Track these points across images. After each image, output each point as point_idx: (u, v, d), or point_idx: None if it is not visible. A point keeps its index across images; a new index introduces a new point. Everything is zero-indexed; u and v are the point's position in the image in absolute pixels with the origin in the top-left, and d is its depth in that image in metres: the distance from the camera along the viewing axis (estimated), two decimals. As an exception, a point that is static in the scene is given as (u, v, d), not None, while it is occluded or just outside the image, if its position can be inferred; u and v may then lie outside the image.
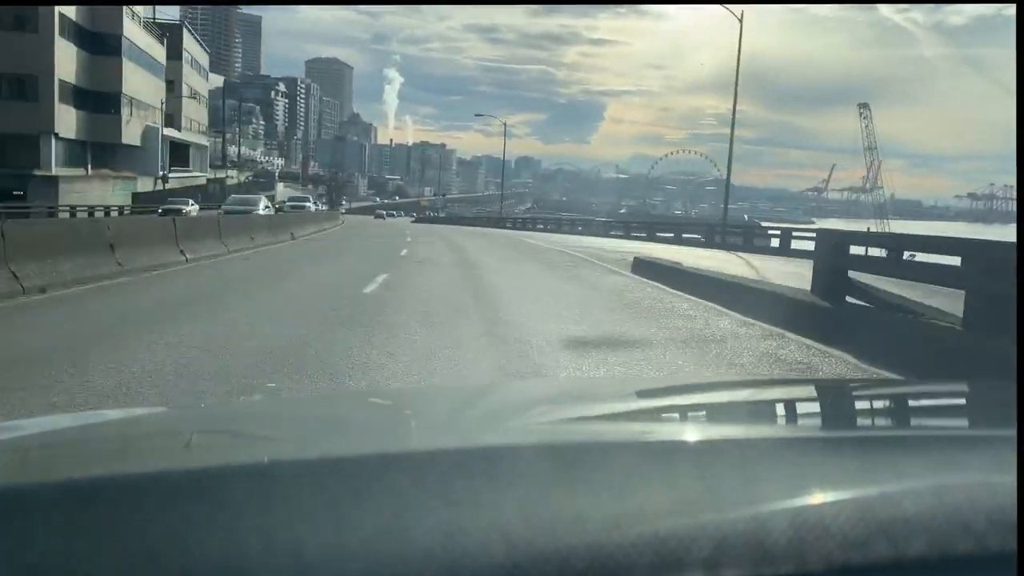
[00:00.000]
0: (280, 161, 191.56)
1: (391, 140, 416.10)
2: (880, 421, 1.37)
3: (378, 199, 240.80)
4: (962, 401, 1.58)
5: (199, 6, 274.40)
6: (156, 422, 1.54)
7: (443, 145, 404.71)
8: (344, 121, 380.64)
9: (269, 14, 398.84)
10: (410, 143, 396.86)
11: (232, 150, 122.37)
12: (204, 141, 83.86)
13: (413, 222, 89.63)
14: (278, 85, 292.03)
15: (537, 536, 0.66)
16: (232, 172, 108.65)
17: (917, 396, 1.66)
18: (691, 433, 1.17)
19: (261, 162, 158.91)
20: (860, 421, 1.38)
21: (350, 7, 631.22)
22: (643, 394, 1.69)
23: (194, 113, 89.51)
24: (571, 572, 0.63)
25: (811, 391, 1.86)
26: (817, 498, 0.72)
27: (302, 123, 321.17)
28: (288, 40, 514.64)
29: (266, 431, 1.29)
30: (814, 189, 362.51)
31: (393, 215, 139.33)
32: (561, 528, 0.67)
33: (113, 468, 0.99)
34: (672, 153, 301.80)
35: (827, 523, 0.67)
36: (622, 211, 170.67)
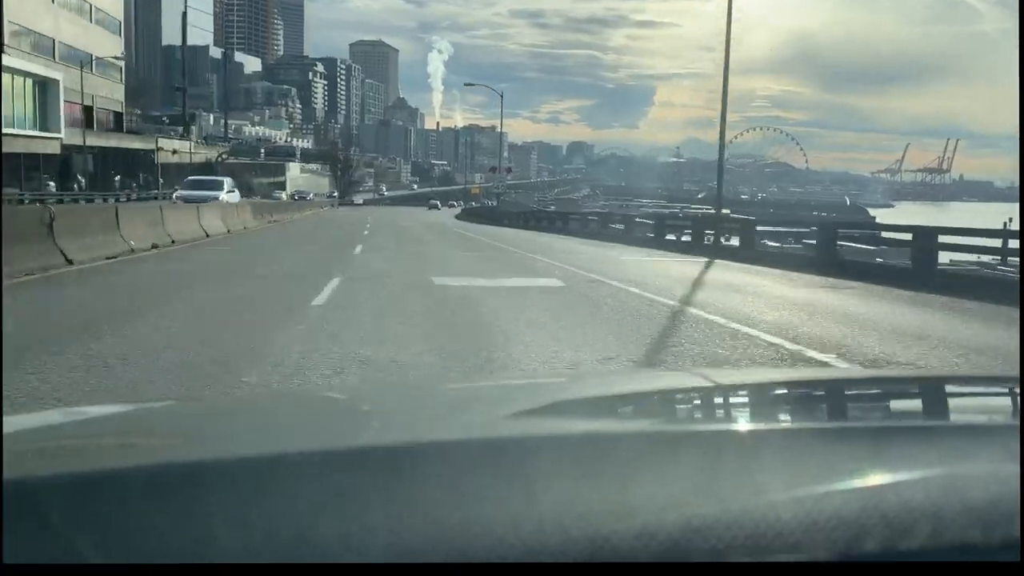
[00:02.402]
0: (301, 144, 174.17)
1: (438, 124, 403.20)
2: (887, 412, 1.37)
3: (415, 187, 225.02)
4: (969, 392, 1.60)
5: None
6: (162, 414, 1.56)
7: (494, 128, 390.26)
8: (389, 106, 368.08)
9: (312, 3, 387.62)
10: (459, 126, 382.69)
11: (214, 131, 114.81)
12: (55, 74, 57.98)
13: (458, 216, 71.06)
14: (316, 66, 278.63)
15: (544, 527, 0.66)
16: (173, 142, 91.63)
17: (924, 387, 1.65)
18: (697, 424, 1.18)
19: (273, 142, 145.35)
20: (866, 412, 1.39)
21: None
22: (647, 385, 1.71)
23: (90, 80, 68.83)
24: (581, 563, 0.63)
25: (817, 382, 1.81)
26: (824, 488, 0.72)
27: (343, 108, 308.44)
28: (332, 30, 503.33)
29: (268, 424, 1.29)
30: (886, 171, 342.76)
31: (437, 206, 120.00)
32: (568, 520, 0.67)
33: (133, 460, 0.98)
34: (739, 136, 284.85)
35: (834, 513, 0.67)
36: (701, 195, 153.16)
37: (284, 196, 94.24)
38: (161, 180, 76.50)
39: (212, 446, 1.07)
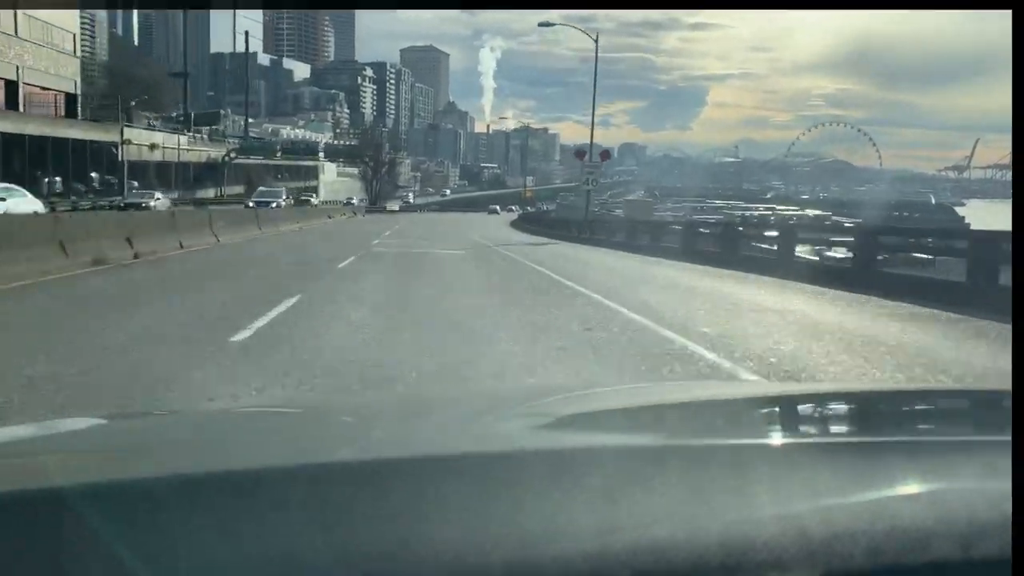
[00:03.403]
0: (335, 142, 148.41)
1: (488, 127, 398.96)
2: (874, 426, 1.36)
3: (447, 191, 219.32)
4: (957, 407, 1.61)
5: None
6: (138, 427, 1.58)
7: (546, 130, 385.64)
8: (439, 111, 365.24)
9: (363, 14, 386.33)
10: (510, 128, 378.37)
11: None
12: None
13: (515, 223, 61.88)
14: (365, 70, 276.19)
15: (531, 542, 0.66)
16: (155, 135, 73.92)
17: (911, 401, 1.66)
18: (684, 438, 1.18)
19: (310, 142, 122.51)
20: (854, 426, 1.40)
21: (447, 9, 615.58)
22: (634, 400, 1.71)
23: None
24: None
25: (805, 397, 1.80)
26: (810, 504, 0.72)
27: (392, 113, 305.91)
28: (383, 39, 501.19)
29: (247, 438, 1.28)
30: (953, 168, 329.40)
31: (497, 211, 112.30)
32: (556, 534, 0.67)
33: (130, 472, 0.98)
34: (804, 134, 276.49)
35: (820, 530, 0.67)
36: (769, 196, 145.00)
37: (315, 201, 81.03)
38: (133, 183, 61.70)
39: (196, 462, 1.05)
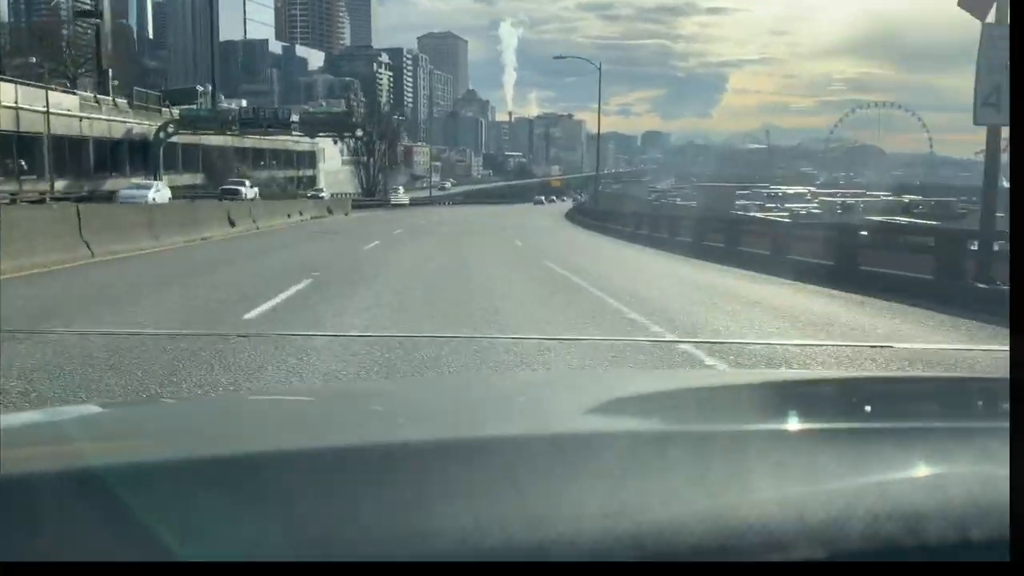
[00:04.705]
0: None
1: (510, 114, 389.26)
2: (873, 413, 1.35)
3: (455, 183, 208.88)
4: (955, 393, 1.60)
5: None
6: (148, 412, 1.61)
7: (570, 116, 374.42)
8: (459, 99, 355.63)
9: (380, 5, 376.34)
10: (533, 116, 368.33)
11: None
12: None
13: (571, 217, 51.78)
14: (380, 56, 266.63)
15: (535, 525, 0.66)
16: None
17: (910, 389, 1.67)
18: (684, 424, 1.18)
19: (279, 110, 74.60)
20: (853, 413, 1.37)
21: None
22: (636, 386, 1.70)
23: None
24: (570, 562, 0.64)
25: (804, 383, 1.82)
26: (809, 488, 0.73)
27: (411, 102, 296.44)
28: (400, 31, 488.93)
29: (254, 422, 1.30)
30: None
31: (542, 201, 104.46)
32: (560, 517, 0.68)
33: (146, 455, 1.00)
34: (847, 116, 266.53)
35: (819, 514, 0.67)
36: (819, 181, 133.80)
37: (327, 195, 67.08)
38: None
39: (202, 445, 1.07)
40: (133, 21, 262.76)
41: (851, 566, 0.66)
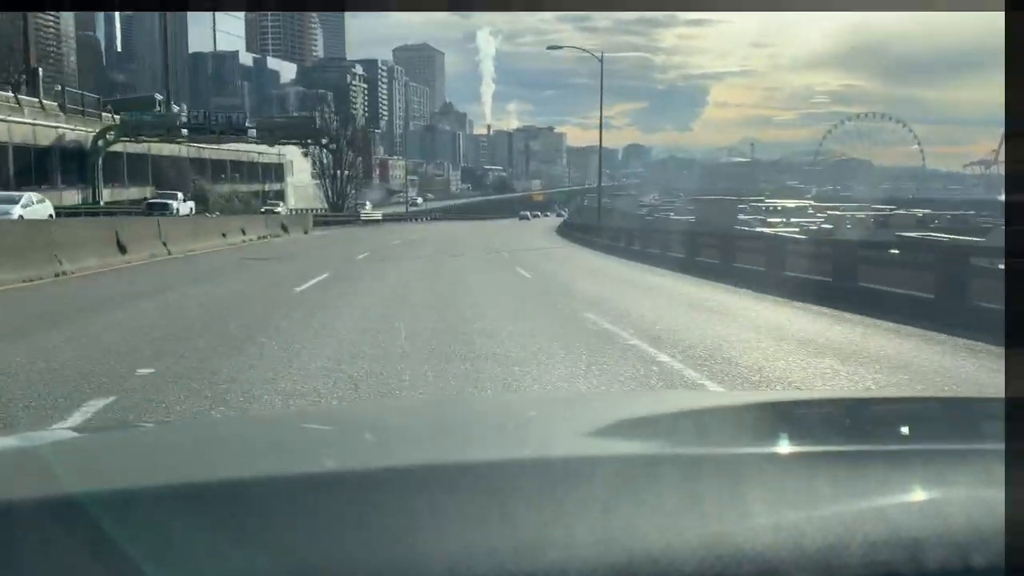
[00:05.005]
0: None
1: (488, 127, 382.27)
2: (868, 435, 1.35)
3: (432, 197, 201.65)
4: (951, 415, 1.58)
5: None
6: (137, 437, 1.58)
7: (551, 129, 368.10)
8: (436, 112, 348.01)
9: (353, 18, 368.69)
10: (513, 128, 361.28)
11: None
12: None
13: (561, 233, 46.70)
14: (354, 67, 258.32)
15: (526, 552, 0.65)
16: None
17: (906, 410, 1.64)
18: (678, 447, 1.17)
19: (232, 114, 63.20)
20: (848, 435, 1.37)
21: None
22: (630, 408, 1.70)
23: None
24: None
25: (798, 405, 1.79)
26: (805, 513, 0.71)
27: (386, 115, 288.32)
28: (374, 45, 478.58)
29: (239, 447, 1.27)
30: (980, 162, 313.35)
31: (528, 217, 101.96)
32: (550, 544, 0.66)
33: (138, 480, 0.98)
34: (834, 129, 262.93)
35: (815, 539, 0.66)
36: (811, 195, 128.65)
37: (284, 210, 59.28)
38: None
39: (182, 471, 1.04)
40: (101, 34, 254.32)
41: None
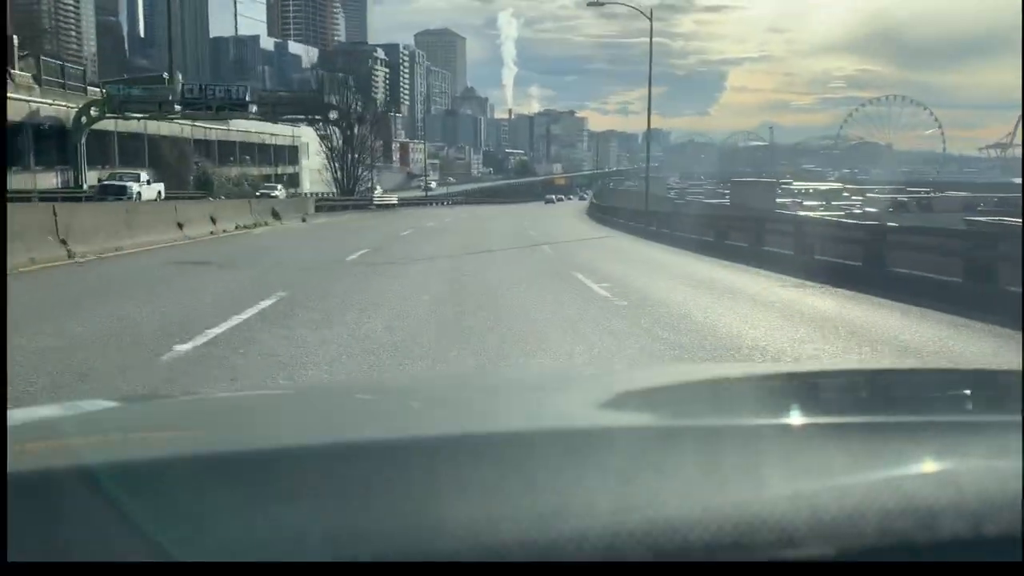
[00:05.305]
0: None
1: (510, 111, 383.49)
2: (885, 406, 1.35)
3: (453, 181, 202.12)
4: (967, 387, 1.57)
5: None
6: (162, 408, 1.62)
7: (572, 113, 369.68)
8: (457, 96, 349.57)
9: (375, 5, 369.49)
10: (533, 113, 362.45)
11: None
12: None
13: (592, 217, 44.56)
14: (376, 51, 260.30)
15: (546, 520, 0.66)
16: None
17: (922, 382, 1.64)
18: (696, 419, 1.18)
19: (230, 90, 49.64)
20: (864, 407, 1.37)
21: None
22: (648, 380, 1.71)
23: None
24: (583, 556, 0.63)
25: (814, 377, 1.78)
26: (821, 483, 0.72)
27: (407, 99, 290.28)
28: (396, 31, 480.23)
29: (266, 419, 1.30)
30: (996, 145, 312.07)
31: (553, 200, 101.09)
32: (570, 512, 0.67)
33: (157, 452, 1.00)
34: (855, 112, 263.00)
35: (831, 508, 0.67)
36: (834, 176, 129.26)
37: (282, 193, 52.90)
38: None
39: (214, 441, 1.06)
40: (124, 19, 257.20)
41: (864, 566, 0.65)
